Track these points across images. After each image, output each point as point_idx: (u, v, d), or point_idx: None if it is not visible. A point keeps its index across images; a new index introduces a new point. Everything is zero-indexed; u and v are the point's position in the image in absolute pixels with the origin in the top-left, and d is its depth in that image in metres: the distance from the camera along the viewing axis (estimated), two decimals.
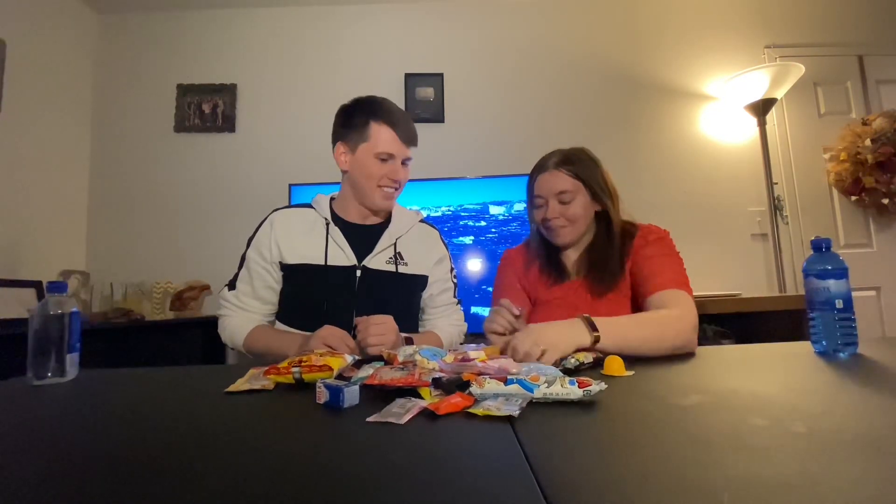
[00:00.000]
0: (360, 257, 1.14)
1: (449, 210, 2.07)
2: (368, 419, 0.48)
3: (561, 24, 2.53)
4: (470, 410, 0.49)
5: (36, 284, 1.95)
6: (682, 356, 0.81)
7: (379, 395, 0.57)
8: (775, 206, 2.28)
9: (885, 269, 2.32)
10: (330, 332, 0.94)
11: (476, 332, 1.72)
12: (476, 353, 0.69)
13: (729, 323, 1.93)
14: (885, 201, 2.24)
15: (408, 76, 2.47)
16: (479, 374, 0.59)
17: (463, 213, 2.07)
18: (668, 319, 0.87)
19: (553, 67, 2.50)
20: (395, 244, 1.18)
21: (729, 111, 2.42)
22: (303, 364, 0.66)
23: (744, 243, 2.38)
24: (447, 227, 2.05)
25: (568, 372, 0.67)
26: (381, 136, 1.11)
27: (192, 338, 2.09)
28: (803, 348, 0.82)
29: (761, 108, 2.23)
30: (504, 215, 2.06)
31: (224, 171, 2.44)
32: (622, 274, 1.04)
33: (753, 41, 2.50)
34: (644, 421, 0.46)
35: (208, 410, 0.57)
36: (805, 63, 2.18)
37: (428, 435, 0.44)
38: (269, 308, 1.18)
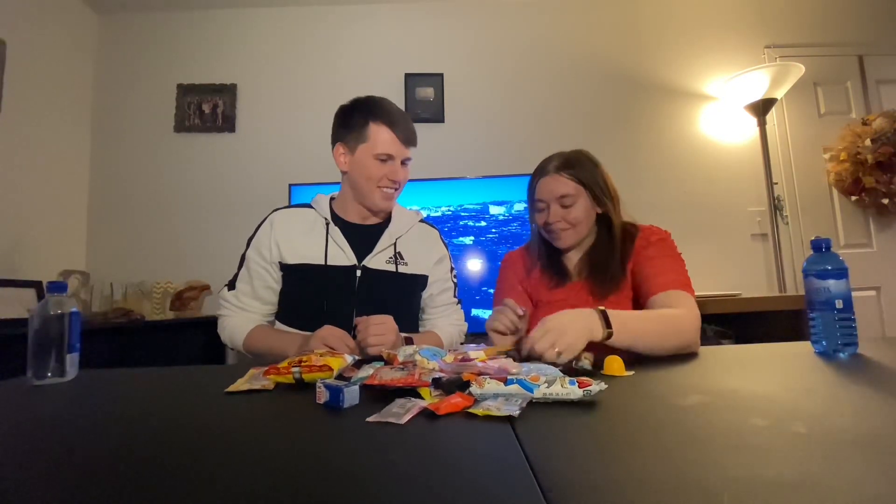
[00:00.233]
0: (360, 257, 1.14)
1: (449, 210, 2.07)
2: (368, 419, 0.48)
3: (561, 24, 2.53)
4: (470, 410, 0.49)
5: (36, 284, 1.95)
6: (682, 356, 0.81)
7: (379, 395, 0.57)
8: (775, 206, 2.28)
9: (885, 269, 2.32)
10: (330, 332, 0.94)
11: (476, 333, 1.72)
12: (476, 353, 0.69)
13: (729, 323, 1.93)
14: (885, 201, 2.24)
15: (408, 76, 2.47)
16: (479, 374, 0.59)
17: (463, 214, 2.07)
18: (675, 318, 0.88)
19: (553, 67, 2.50)
20: (395, 244, 1.18)
21: (729, 111, 2.42)
22: (303, 364, 0.66)
23: (744, 243, 2.38)
24: (447, 227, 2.04)
25: (584, 372, 0.67)
26: (380, 136, 1.11)
27: (192, 338, 2.09)
28: (803, 348, 0.82)
29: (761, 108, 2.23)
30: (504, 215, 2.06)
31: (224, 171, 2.44)
32: (624, 275, 1.04)
33: (753, 41, 2.50)
34: (644, 421, 0.46)
35: (208, 410, 0.57)
36: (805, 63, 2.18)
37: (428, 435, 0.44)
38: (269, 308, 1.18)
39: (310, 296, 1.12)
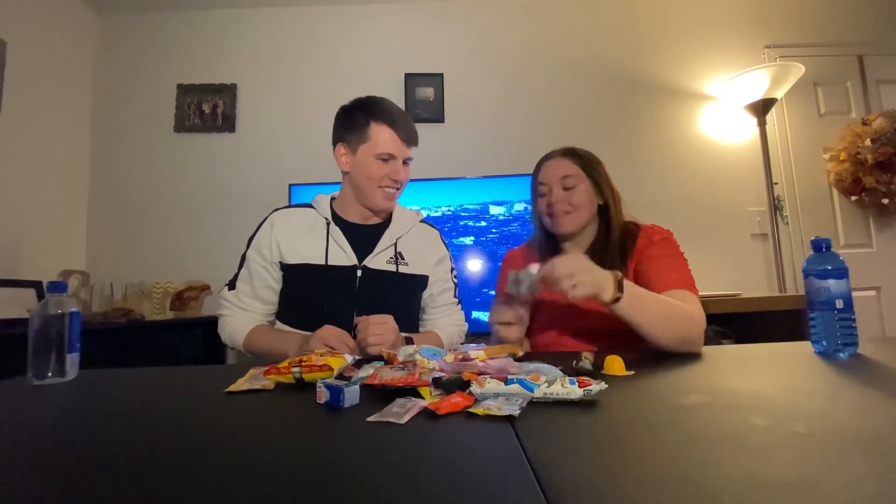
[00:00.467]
0: (361, 257, 1.14)
1: (449, 210, 2.07)
2: (368, 419, 0.48)
3: (561, 24, 2.53)
4: (470, 410, 0.49)
5: (36, 284, 1.95)
6: (682, 356, 0.81)
7: (379, 395, 0.57)
8: (775, 206, 2.28)
9: (885, 269, 2.32)
10: (329, 332, 0.94)
11: (476, 333, 1.72)
12: (476, 352, 0.69)
13: (729, 323, 1.93)
14: (885, 201, 2.24)
15: (408, 76, 2.47)
16: (480, 373, 0.59)
17: (463, 214, 2.07)
18: (684, 311, 0.89)
19: (553, 67, 2.50)
20: (395, 244, 1.18)
21: (729, 111, 2.42)
22: (303, 364, 0.66)
23: (744, 243, 2.38)
24: (447, 227, 2.04)
25: (584, 372, 0.67)
26: (382, 136, 1.11)
27: (192, 338, 2.09)
28: (803, 348, 0.82)
29: (761, 108, 2.23)
30: (504, 215, 2.06)
31: (224, 171, 2.44)
32: (625, 273, 1.04)
33: (753, 41, 2.50)
34: (644, 421, 0.46)
35: (208, 410, 0.57)
36: (805, 63, 2.18)
37: (428, 435, 0.44)
38: (269, 308, 1.18)
39: (310, 296, 1.12)
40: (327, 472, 0.35)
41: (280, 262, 1.13)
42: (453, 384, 0.58)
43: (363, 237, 1.16)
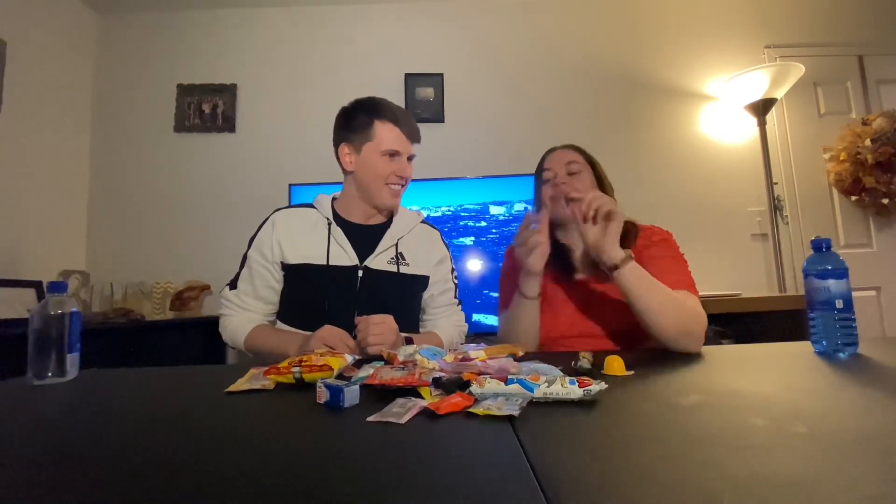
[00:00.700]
0: (362, 257, 1.14)
1: (449, 210, 2.07)
2: (368, 419, 0.48)
3: (561, 24, 2.53)
4: (470, 410, 0.49)
5: (36, 284, 1.95)
6: (682, 356, 0.81)
7: (379, 395, 0.57)
8: (775, 206, 2.28)
9: (885, 269, 2.32)
10: (329, 332, 0.94)
11: (476, 333, 1.72)
12: (476, 352, 0.69)
13: (729, 323, 1.93)
14: (885, 201, 2.24)
15: (408, 76, 2.47)
16: (480, 373, 0.59)
17: (463, 214, 2.07)
18: (686, 304, 0.89)
19: (553, 67, 2.50)
20: (396, 244, 1.19)
21: (729, 111, 2.42)
22: (303, 364, 0.66)
23: (744, 243, 2.38)
24: (447, 227, 2.04)
25: (584, 372, 0.67)
26: (386, 133, 1.12)
27: (192, 338, 2.09)
28: (803, 348, 0.82)
29: (761, 108, 2.23)
30: (504, 215, 2.06)
31: (224, 171, 2.44)
32: None
33: (753, 41, 2.50)
34: (644, 421, 0.46)
35: (208, 410, 0.57)
36: (805, 63, 2.18)
37: (428, 435, 0.44)
38: (270, 308, 1.18)
39: (311, 296, 1.12)
40: (327, 472, 0.35)
41: (281, 262, 1.13)
42: (453, 384, 0.58)
43: (364, 237, 1.16)
